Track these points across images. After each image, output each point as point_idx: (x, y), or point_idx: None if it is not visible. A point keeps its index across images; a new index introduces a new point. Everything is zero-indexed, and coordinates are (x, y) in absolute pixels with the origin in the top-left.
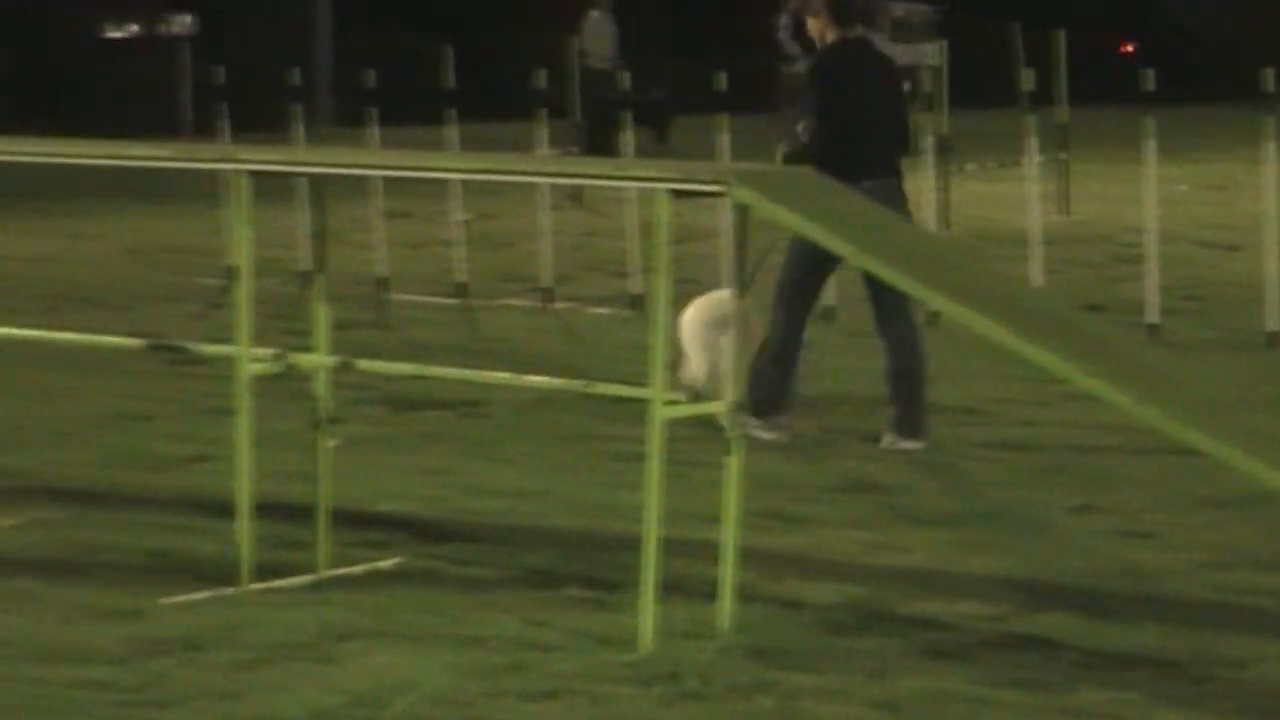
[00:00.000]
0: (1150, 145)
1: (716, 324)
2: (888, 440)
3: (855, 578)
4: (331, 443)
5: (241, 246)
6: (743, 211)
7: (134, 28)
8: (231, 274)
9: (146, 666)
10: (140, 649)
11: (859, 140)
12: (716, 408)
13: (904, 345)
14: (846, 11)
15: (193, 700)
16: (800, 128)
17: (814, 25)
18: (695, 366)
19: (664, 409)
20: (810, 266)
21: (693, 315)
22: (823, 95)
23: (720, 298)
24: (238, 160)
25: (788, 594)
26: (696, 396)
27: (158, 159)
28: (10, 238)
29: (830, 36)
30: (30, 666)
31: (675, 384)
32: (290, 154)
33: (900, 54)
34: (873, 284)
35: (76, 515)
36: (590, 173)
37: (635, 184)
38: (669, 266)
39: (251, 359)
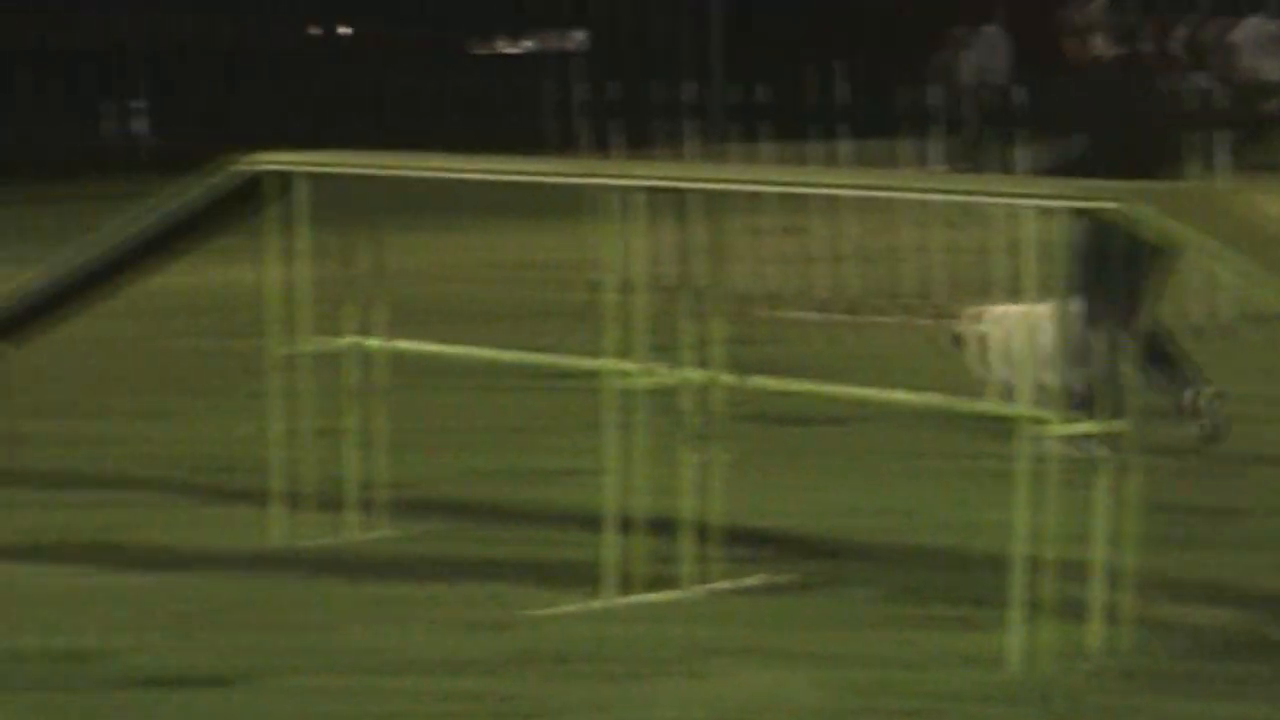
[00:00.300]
0: None
1: (1023, 335)
2: None
3: (1230, 601)
4: (709, 458)
5: (622, 261)
6: (1147, 230)
7: (528, 43)
8: (607, 289)
9: (515, 678)
10: (509, 660)
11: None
12: (1090, 428)
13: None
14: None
15: (561, 713)
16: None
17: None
18: (1002, 381)
19: (1036, 427)
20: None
21: (1000, 328)
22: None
23: (1029, 311)
24: (628, 177)
25: (1160, 616)
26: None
27: (543, 174)
28: (404, 252)
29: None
30: (402, 677)
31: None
32: (682, 170)
33: None
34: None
35: (450, 527)
36: (988, 190)
37: (1033, 202)
38: (1054, 285)
39: (626, 374)
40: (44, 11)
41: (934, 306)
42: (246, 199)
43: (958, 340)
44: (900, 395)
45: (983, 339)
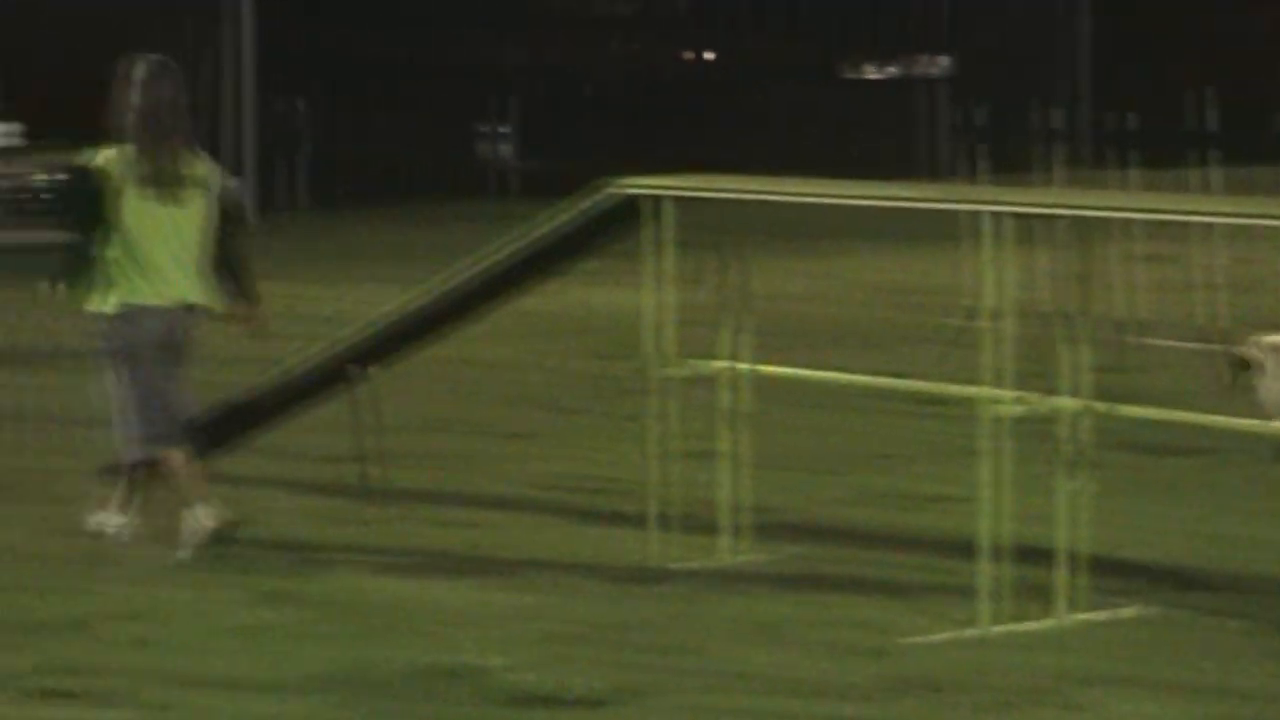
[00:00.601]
0: None
1: None
2: None
3: None
4: (1080, 486)
5: (995, 288)
6: None
7: (891, 69)
8: (980, 315)
9: (892, 705)
10: (885, 687)
11: None
12: None
13: None
14: None
15: None
16: None
17: None
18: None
19: None
20: None
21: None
22: None
23: None
24: (993, 202)
25: None
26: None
27: (914, 199)
28: (775, 277)
29: None
30: (777, 699)
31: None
32: (1048, 196)
33: None
34: None
35: (821, 550)
36: None
37: None
38: None
39: (998, 401)
40: (423, 29)
41: None
42: (619, 222)
43: (1242, 364)
44: (1276, 425)
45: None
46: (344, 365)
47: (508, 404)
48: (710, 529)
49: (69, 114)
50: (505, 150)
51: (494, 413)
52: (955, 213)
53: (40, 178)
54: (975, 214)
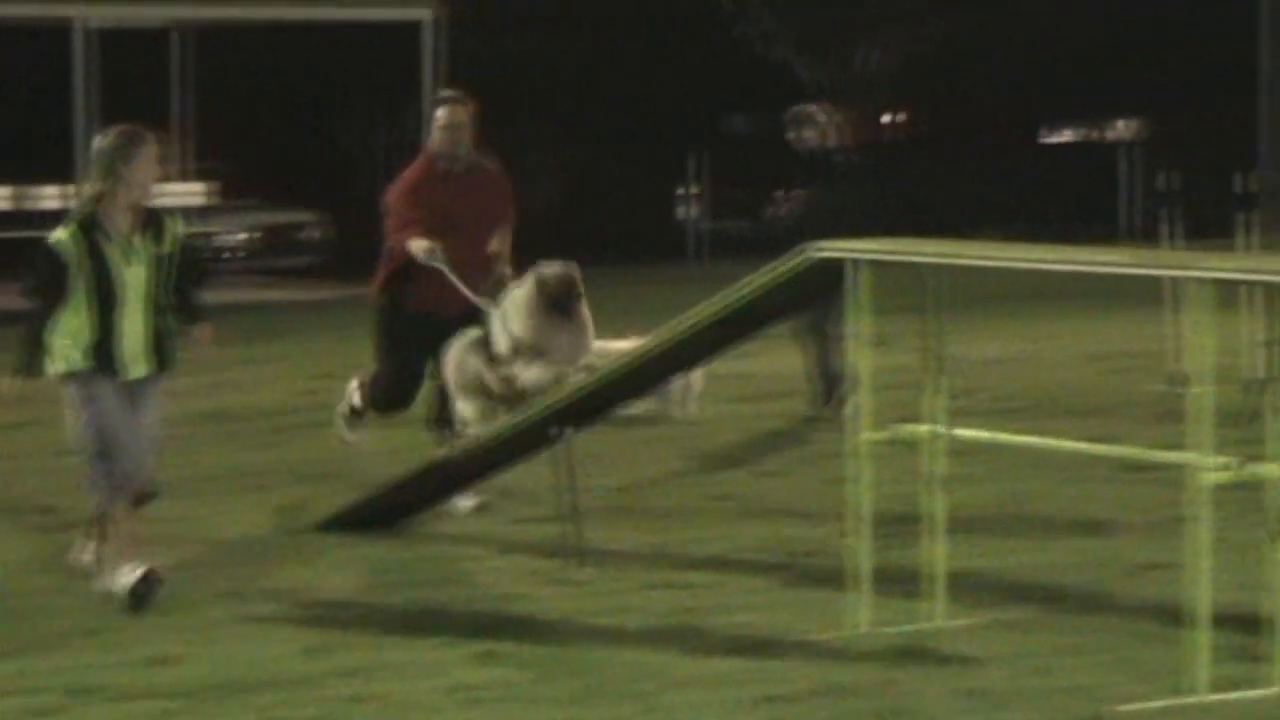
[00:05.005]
0: None
1: None
2: None
3: None
4: None
5: (1200, 354)
6: None
7: (1073, 133)
8: (1187, 380)
9: None
10: None
11: None
12: None
13: None
14: None
15: None
16: None
17: None
18: None
19: None
20: None
21: None
22: None
23: None
24: (1197, 268)
25: None
26: None
27: (1115, 265)
28: (975, 340)
29: None
30: None
31: None
32: (1245, 262)
33: None
34: None
35: (1030, 616)
36: None
37: None
38: None
39: (1209, 467)
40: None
41: None
42: (819, 285)
43: None
44: None
45: None
46: (547, 426)
47: (709, 465)
48: (917, 593)
49: (261, 175)
50: (694, 212)
51: (695, 474)
52: (1156, 278)
53: (237, 236)
54: (1174, 280)
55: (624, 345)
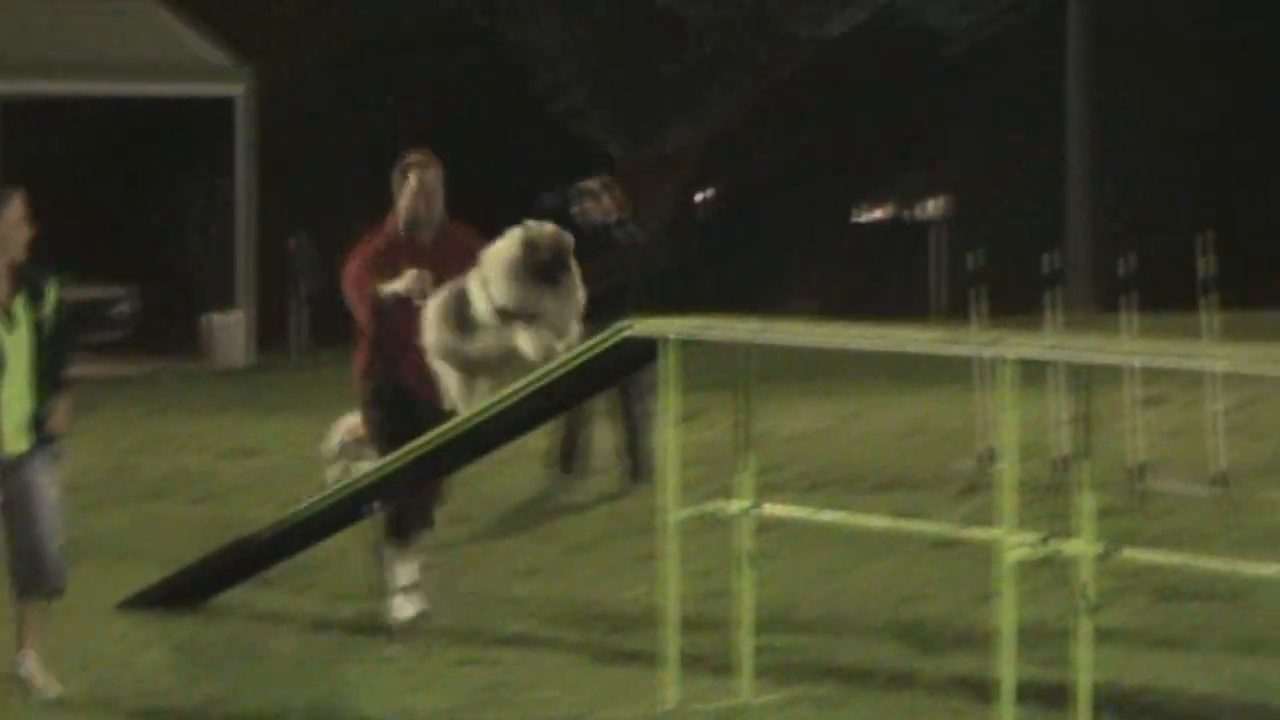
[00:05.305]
0: None
1: None
2: None
3: None
4: (1092, 629)
5: (1005, 431)
6: None
7: (881, 213)
8: (990, 457)
9: None
10: None
11: None
12: None
13: None
14: None
15: None
16: None
17: None
18: None
19: None
20: None
21: None
22: None
23: None
24: (1003, 346)
25: None
26: None
27: (924, 343)
28: (784, 416)
29: None
30: None
31: None
32: (1051, 341)
33: None
34: None
35: (844, 692)
36: None
37: None
38: None
39: (1015, 544)
40: None
41: None
42: (629, 362)
43: None
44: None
45: None
46: (357, 502)
47: (519, 539)
48: (726, 669)
49: (72, 249)
50: None
51: (508, 548)
52: (962, 356)
53: None
54: (980, 358)
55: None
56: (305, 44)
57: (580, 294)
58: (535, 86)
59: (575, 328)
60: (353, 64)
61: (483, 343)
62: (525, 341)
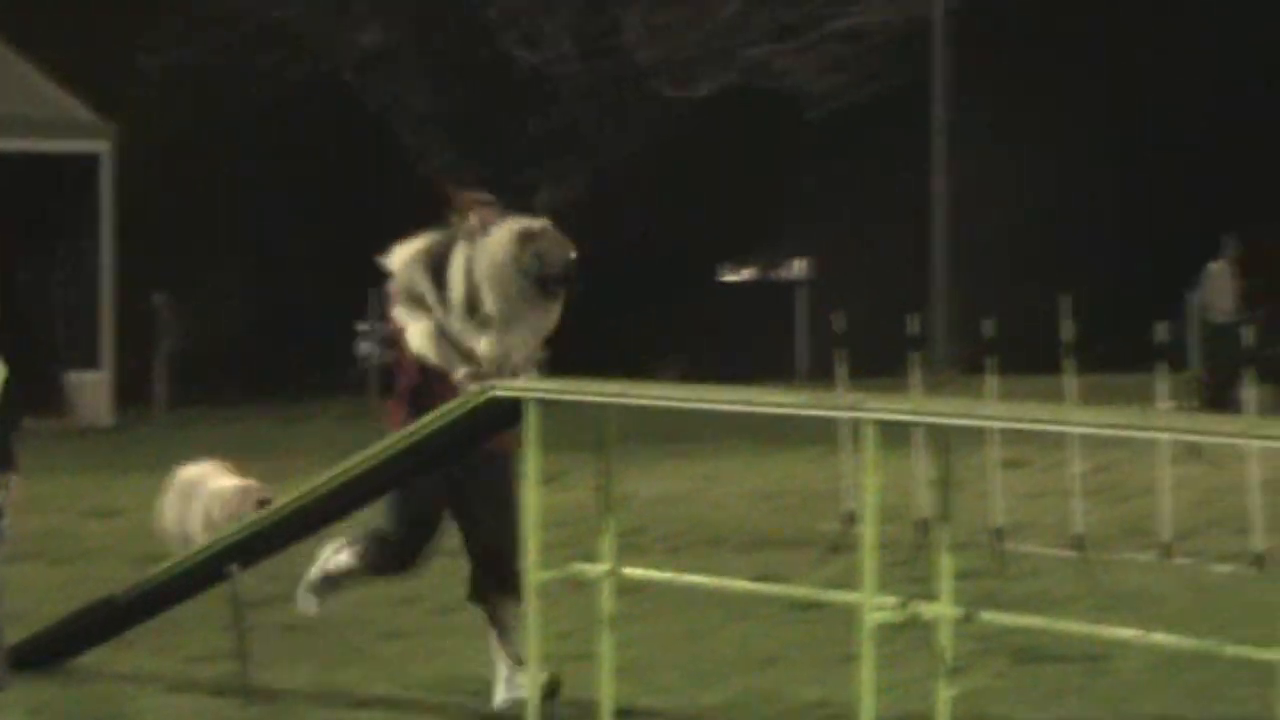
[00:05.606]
0: None
1: None
2: None
3: None
4: (959, 692)
5: (867, 494)
6: None
7: (749, 272)
8: (853, 520)
9: None
10: None
11: None
12: None
13: None
14: None
15: None
16: None
17: None
18: None
19: None
20: None
21: None
22: None
23: None
24: (864, 409)
25: None
26: None
27: (787, 405)
28: (647, 478)
29: None
30: None
31: None
32: (913, 404)
33: None
34: None
35: None
36: (1218, 430)
37: (1261, 442)
38: None
39: (875, 607)
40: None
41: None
42: (491, 424)
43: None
44: (1159, 636)
45: None
46: (220, 564)
47: (380, 603)
48: None
49: None
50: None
51: (371, 611)
52: (826, 418)
53: None
54: (841, 420)
55: (230, 483)
56: (170, 104)
57: (557, 311)
58: (406, 147)
59: (534, 355)
60: (218, 123)
61: (443, 323)
62: (484, 345)
